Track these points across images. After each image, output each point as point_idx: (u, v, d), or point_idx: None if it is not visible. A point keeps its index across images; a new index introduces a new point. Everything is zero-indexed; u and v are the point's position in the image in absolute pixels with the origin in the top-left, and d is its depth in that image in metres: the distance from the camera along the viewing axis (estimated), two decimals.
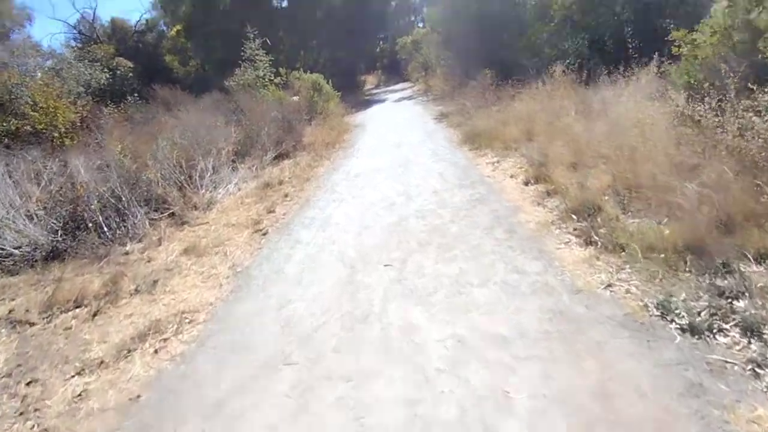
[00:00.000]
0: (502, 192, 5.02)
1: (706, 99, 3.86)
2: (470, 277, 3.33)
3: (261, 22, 22.34)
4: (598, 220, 3.86)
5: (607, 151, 4.91)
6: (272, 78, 12.55)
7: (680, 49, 4.79)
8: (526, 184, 5.08)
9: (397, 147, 8.73)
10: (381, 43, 37.02)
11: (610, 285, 2.96)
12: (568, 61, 10.57)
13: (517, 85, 10.82)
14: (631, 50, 10.64)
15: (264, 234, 5.15)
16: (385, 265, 3.76)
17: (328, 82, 13.30)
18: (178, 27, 23.77)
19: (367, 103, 18.78)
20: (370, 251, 4.09)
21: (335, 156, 9.15)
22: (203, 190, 6.85)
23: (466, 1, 14.48)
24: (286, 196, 6.60)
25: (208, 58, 21.96)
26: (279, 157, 9.62)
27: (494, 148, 7.01)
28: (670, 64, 7.58)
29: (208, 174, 7.22)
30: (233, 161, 8.48)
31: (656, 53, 9.61)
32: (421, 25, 31.27)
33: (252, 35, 12.11)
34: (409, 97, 17.83)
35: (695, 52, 4.36)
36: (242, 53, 12.25)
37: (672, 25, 10.44)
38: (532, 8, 12.48)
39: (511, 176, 5.51)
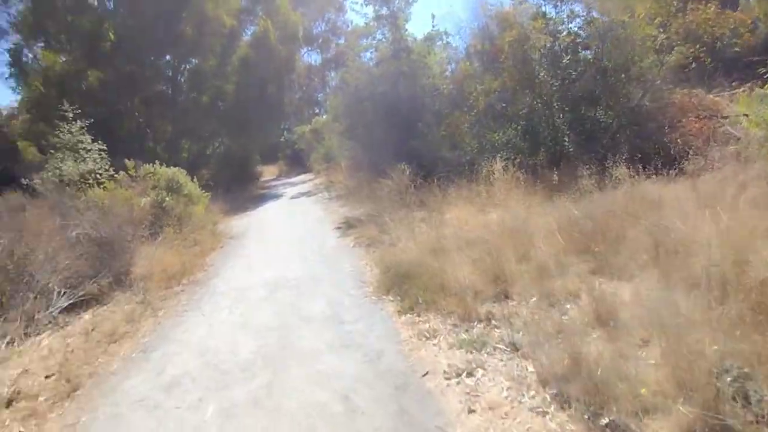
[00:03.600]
0: None
1: None
2: None
3: (137, 107, 18.44)
4: None
5: None
6: (111, 173, 8.48)
7: None
8: None
9: (272, 292, 5.00)
10: (285, 132, 34.54)
11: None
12: (500, 154, 7.96)
13: (443, 184, 7.94)
14: (567, 145, 8.41)
15: None
16: None
17: (194, 178, 9.45)
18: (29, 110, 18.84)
19: (259, 200, 15.06)
20: None
21: (172, 305, 5.15)
22: None
23: (370, 86, 11.96)
24: None
25: None
26: (77, 307, 5.43)
27: (443, 313, 3.59)
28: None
29: None
30: None
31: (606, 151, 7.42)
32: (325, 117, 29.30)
33: (71, 114, 8.09)
34: (309, 193, 14.46)
35: None
36: (58, 139, 8.13)
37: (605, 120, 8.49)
38: (447, 95, 10.10)
39: None
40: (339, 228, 8.03)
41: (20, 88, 19.50)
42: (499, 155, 7.91)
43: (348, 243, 6.90)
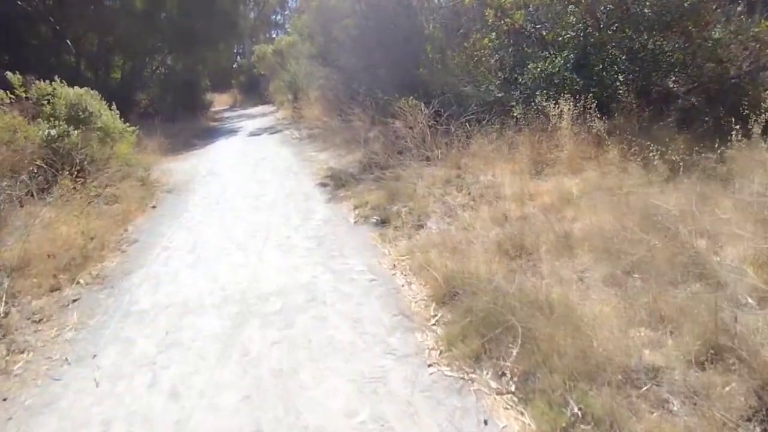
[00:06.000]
0: None
1: None
2: None
3: (51, 8, 14.15)
4: None
5: None
6: None
7: None
8: None
9: (237, 329, 2.67)
10: (238, 58, 30.07)
11: None
12: (540, 92, 5.66)
13: (466, 130, 5.60)
14: (619, 86, 6.16)
15: None
16: None
17: (111, 104, 6.43)
18: None
19: (210, 135, 12.02)
20: None
21: (46, 343, 2.71)
22: None
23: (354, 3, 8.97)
24: None
25: None
26: None
27: None
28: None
29: None
30: None
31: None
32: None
33: None
34: (272, 129, 11.57)
35: None
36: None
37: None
38: (469, 5, 7.42)
39: None
40: (325, 185, 5.60)
41: None
42: (539, 93, 5.63)
43: (344, 214, 4.53)
